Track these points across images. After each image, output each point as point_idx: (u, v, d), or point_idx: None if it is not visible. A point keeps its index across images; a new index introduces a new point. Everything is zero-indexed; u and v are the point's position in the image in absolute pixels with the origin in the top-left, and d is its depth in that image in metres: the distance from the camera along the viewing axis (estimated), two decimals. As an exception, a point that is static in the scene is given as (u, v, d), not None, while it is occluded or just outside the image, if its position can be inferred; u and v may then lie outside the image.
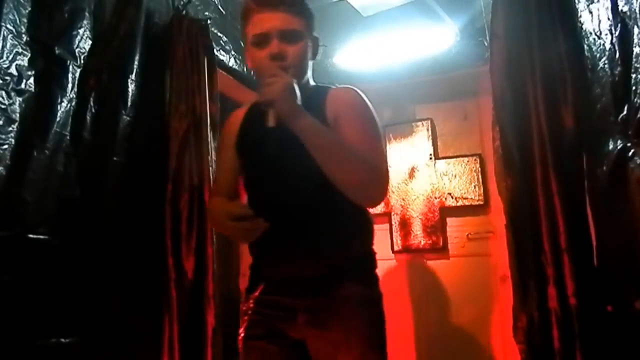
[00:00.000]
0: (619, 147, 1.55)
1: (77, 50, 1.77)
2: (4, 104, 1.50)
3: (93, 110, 1.81)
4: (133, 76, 1.99)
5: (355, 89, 1.43)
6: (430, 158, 3.28)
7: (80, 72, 1.77)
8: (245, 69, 2.79)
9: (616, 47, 1.55)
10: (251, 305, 1.39)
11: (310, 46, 1.41)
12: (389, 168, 3.53)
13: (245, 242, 1.28)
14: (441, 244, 3.17)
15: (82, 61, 1.78)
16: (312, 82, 1.45)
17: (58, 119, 1.67)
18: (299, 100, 1.25)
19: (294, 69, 1.32)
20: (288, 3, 1.35)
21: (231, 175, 1.49)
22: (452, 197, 3.19)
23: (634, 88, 1.45)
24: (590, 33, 1.74)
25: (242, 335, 1.39)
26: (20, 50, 1.56)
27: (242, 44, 1.49)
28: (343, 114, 1.35)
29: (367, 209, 1.43)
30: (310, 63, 1.42)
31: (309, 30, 1.40)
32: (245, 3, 1.41)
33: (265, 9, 1.34)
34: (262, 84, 1.26)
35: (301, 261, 1.32)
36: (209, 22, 2.31)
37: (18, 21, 1.57)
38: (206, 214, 1.61)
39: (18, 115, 1.54)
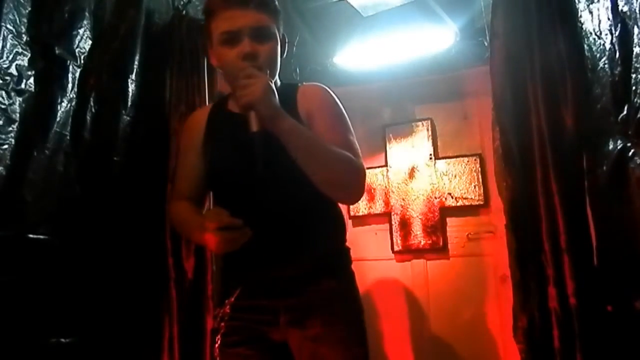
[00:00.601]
0: (619, 147, 1.55)
1: (77, 50, 1.77)
2: (4, 104, 1.50)
3: (93, 110, 1.81)
4: (133, 76, 1.99)
5: (323, 86, 1.42)
6: (430, 158, 3.28)
7: (80, 72, 1.77)
8: (245, 69, 2.78)
9: (616, 47, 1.55)
10: (228, 310, 1.36)
11: (280, 43, 1.36)
12: (389, 168, 3.56)
13: (227, 251, 1.23)
14: (441, 244, 3.17)
15: (82, 61, 1.78)
16: (278, 81, 1.41)
17: (58, 119, 1.67)
18: (277, 98, 1.21)
19: (267, 68, 1.28)
20: (258, 0, 1.30)
21: (194, 179, 1.44)
22: (452, 197, 3.19)
23: (634, 88, 1.45)
24: (590, 33, 1.74)
25: (220, 342, 1.36)
26: (20, 50, 1.56)
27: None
28: (316, 112, 1.34)
29: (341, 204, 1.43)
30: (280, 61, 1.38)
31: (279, 28, 1.36)
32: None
33: (235, 6, 1.29)
34: (237, 86, 1.21)
35: (281, 262, 1.31)
36: (209, 22, 2.31)
37: (18, 21, 1.57)
38: (171, 219, 1.53)
39: (18, 115, 1.53)
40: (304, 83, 1.45)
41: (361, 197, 1.37)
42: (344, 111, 1.39)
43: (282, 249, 1.31)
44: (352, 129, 1.38)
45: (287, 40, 1.41)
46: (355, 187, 1.31)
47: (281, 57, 1.38)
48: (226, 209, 1.20)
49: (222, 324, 1.36)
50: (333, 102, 1.39)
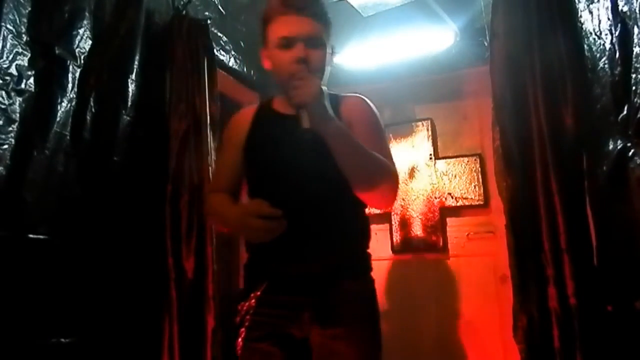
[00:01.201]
0: (619, 147, 1.55)
1: (77, 50, 1.77)
2: (4, 104, 1.50)
3: (93, 110, 1.81)
4: (133, 76, 1.99)
5: (364, 97, 1.52)
6: (430, 158, 3.27)
7: (80, 72, 1.77)
8: (245, 69, 2.79)
9: (616, 47, 1.55)
10: (253, 304, 1.40)
11: (329, 53, 1.46)
12: (389, 168, 3.52)
13: (262, 241, 1.30)
14: (441, 244, 3.17)
15: (82, 61, 1.78)
16: (325, 88, 1.49)
17: (58, 119, 1.67)
18: (326, 102, 1.28)
19: (317, 72, 1.37)
20: (314, 10, 1.40)
21: (233, 172, 1.51)
22: (452, 197, 3.19)
23: (634, 88, 1.45)
24: (590, 33, 1.74)
25: (244, 336, 1.39)
26: (20, 50, 1.56)
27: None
28: (357, 122, 1.42)
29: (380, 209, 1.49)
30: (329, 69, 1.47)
31: (329, 38, 1.46)
32: (271, 3, 1.43)
33: (292, 13, 1.38)
34: (290, 87, 1.27)
35: (311, 259, 1.36)
36: (209, 22, 2.31)
37: (18, 21, 1.57)
38: (206, 209, 1.60)
39: (18, 115, 1.54)
40: (347, 94, 1.54)
41: (394, 203, 1.47)
42: (381, 122, 1.50)
43: (312, 248, 1.36)
44: (387, 138, 1.49)
45: (334, 51, 1.50)
46: (391, 192, 1.39)
47: (329, 65, 1.48)
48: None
49: (247, 317, 1.40)
50: (373, 113, 1.49)
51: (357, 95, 1.53)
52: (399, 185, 1.42)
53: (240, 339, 1.39)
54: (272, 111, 1.50)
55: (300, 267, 1.36)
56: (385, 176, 1.34)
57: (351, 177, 1.30)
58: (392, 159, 1.42)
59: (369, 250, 1.50)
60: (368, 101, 1.51)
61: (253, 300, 1.40)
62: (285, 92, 1.35)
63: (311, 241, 1.36)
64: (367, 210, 1.51)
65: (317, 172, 1.33)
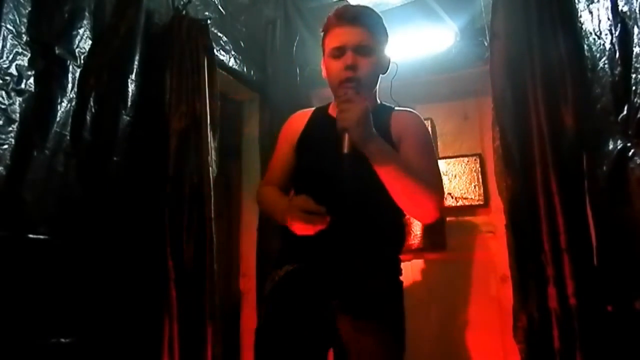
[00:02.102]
0: (619, 147, 1.55)
1: (77, 50, 1.77)
2: (4, 104, 1.50)
3: (93, 110, 1.81)
4: (133, 76, 1.99)
5: (416, 112, 1.60)
6: (431, 158, 3.27)
7: (80, 72, 1.77)
8: (245, 69, 2.79)
9: (616, 47, 1.55)
10: (282, 274, 1.48)
11: (380, 61, 1.53)
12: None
13: (305, 234, 1.37)
14: (441, 244, 3.17)
15: (82, 61, 1.78)
16: (377, 100, 1.60)
17: (58, 119, 1.67)
18: (371, 124, 1.33)
19: (365, 79, 1.47)
20: (365, 20, 1.49)
21: (285, 168, 1.62)
22: (452, 197, 3.19)
23: (634, 88, 1.45)
24: (590, 33, 1.74)
25: (273, 286, 1.48)
26: (20, 50, 1.56)
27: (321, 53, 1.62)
28: (407, 137, 1.49)
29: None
30: (379, 77, 1.56)
31: (381, 47, 1.54)
32: (328, 18, 1.54)
33: (345, 24, 1.48)
34: (338, 109, 1.34)
35: (347, 255, 1.43)
36: (209, 22, 2.31)
37: (18, 21, 1.57)
38: (257, 199, 1.70)
39: (18, 115, 1.54)
40: (400, 108, 1.62)
41: (435, 219, 1.49)
42: (431, 138, 1.58)
43: (347, 246, 1.43)
44: (435, 155, 1.56)
45: (390, 60, 1.59)
46: (431, 211, 1.42)
47: (383, 72, 1.58)
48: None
49: (276, 278, 1.48)
50: (423, 130, 1.56)
51: (409, 110, 1.60)
52: (443, 202, 1.49)
53: (266, 293, 1.49)
54: (326, 115, 1.60)
55: (336, 258, 1.43)
56: (426, 195, 1.38)
57: (391, 192, 1.37)
58: (439, 175, 1.49)
59: (399, 256, 1.55)
60: (419, 117, 1.58)
61: (283, 271, 1.47)
62: (336, 98, 1.47)
63: (347, 240, 1.42)
64: (404, 218, 1.56)
65: (359, 177, 1.37)
